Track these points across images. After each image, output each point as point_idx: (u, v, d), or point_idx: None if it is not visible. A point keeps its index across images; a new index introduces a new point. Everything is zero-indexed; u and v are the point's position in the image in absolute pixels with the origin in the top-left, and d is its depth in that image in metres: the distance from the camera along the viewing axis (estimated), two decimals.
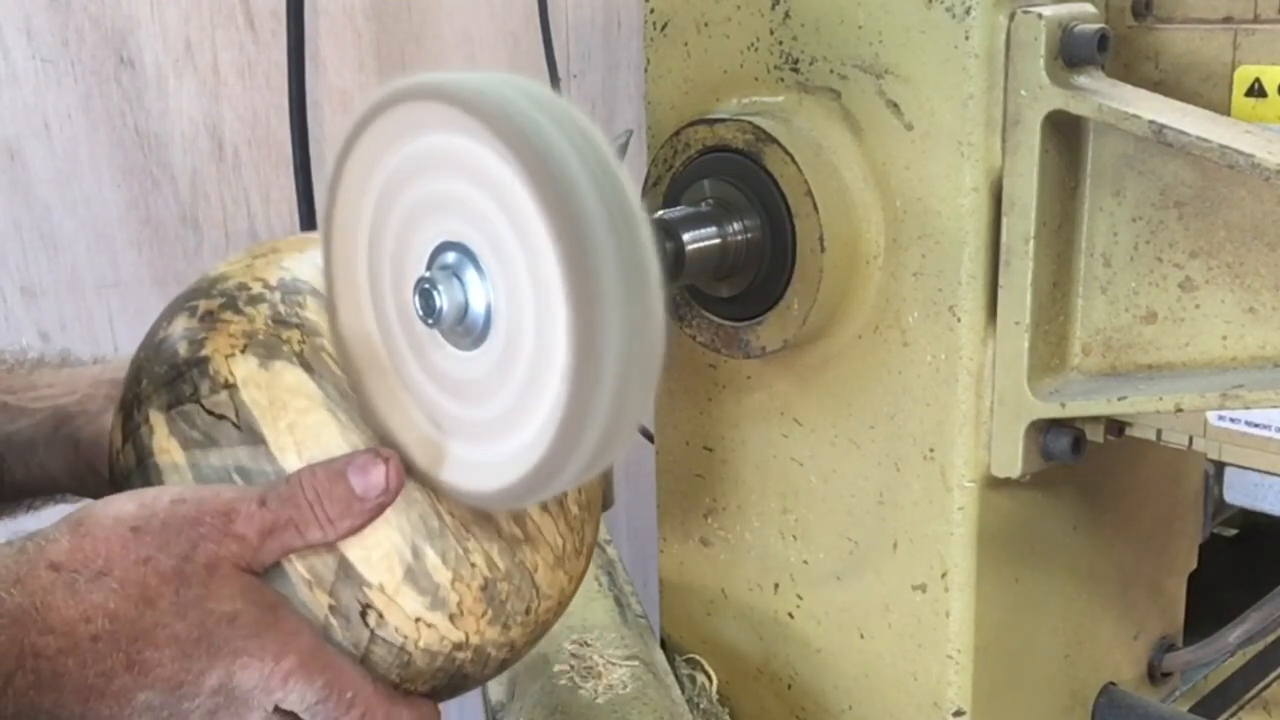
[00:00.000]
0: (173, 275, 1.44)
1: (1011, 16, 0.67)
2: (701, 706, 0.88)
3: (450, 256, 0.55)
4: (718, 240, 0.73)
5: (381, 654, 0.62)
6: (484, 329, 0.55)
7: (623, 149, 1.16)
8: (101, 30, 1.32)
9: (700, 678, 0.90)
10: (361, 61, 1.51)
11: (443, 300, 0.54)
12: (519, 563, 0.64)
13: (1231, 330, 0.66)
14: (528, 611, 0.65)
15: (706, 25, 0.79)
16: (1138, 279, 0.69)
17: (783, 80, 0.76)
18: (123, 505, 0.58)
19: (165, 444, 0.62)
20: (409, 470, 0.60)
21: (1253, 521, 1.12)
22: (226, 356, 0.62)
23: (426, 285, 0.55)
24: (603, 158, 0.52)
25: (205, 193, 1.45)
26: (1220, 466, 0.89)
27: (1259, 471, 0.72)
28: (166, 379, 0.63)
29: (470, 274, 0.54)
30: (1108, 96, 0.66)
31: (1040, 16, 0.66)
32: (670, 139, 0.77)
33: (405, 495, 0.61)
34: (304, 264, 0.66)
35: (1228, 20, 0.70)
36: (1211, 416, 0.71)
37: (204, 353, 0.63)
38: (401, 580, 0.61)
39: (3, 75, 1.29)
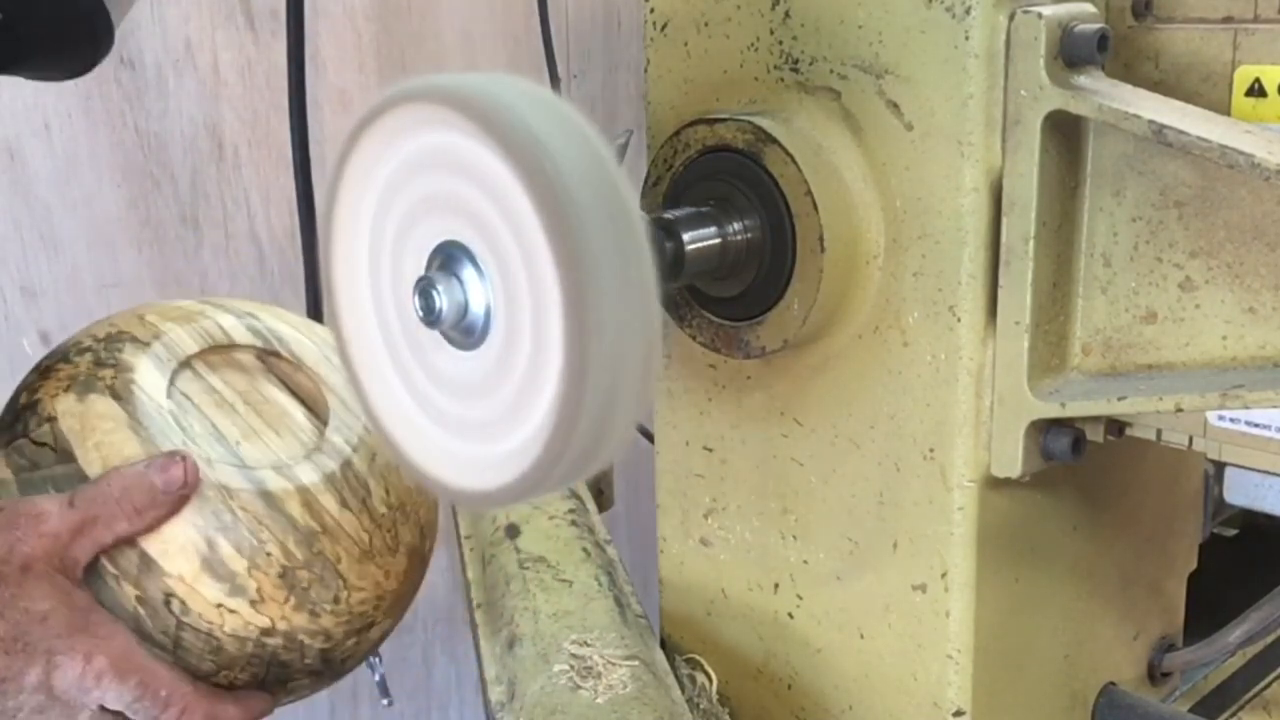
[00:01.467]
0: (173, 275, 1.44)
1: (1011, 16, 0.67)
2: (701, 706, 0.88)
3: (450, 257, 0.55)
4: (718, 240, 0.73)
5: (191, 640, 0.69)
6: (483, 329, 0.55)
7: (623, 149, 1.16)
8: None
9: (700, 678, 0.90)
10: (361, 61, 1.51)
11: (442, 300, 0.54)
12: (318, 552, 0.71)
13: (1231, 330, 0.67)
14: (336, 600, 0.72)
15: (706, 25, 0.79)
16: (1138, 279, 0.69)
17: (783, 80, 0.76)
18: None
19: (2, 473, 0.71)
20: (404, 466, 0.61)
21: (1253, 521, 1.12)
22: (52, 397, 0.72)
23: (426, 285, 0.55)
24: (601, 158, 0.52)
25: (205, 193, 1.45)
26: (1220, 466, 0.89)
27: (1259, 471, 0.72)
28: (7, 424, 0.73)
29: (469, 274, 0.54)
30: (1108, 96, 0.66)
31: (1040, 16, 0.66)
32: (670, 139, 0.77)
33: (199, 494, 0.69)
34: (131, 320, 0.76)
35: (1228, 20, 0.70)
36: (1211, 416, 0.71)
37: (36, 397, 0.72)
38: (199, 569, 0.68)
39: (3, 75, 1.29)
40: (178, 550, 0.68)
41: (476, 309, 0.55)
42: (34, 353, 1.38)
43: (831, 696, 0.83)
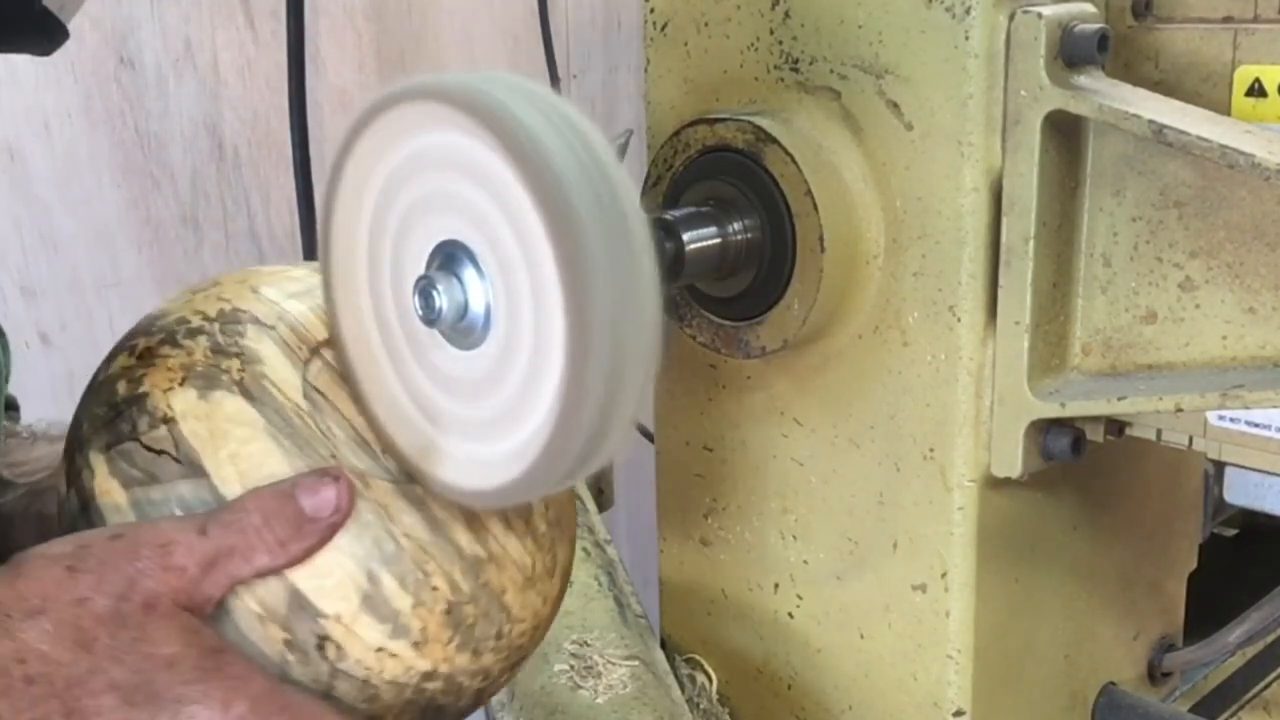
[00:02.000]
0: (173, 275, 1.44)
1: (1011, 16, 0.67)
2: (701, 706, 0.88)
3: (449, 256, 0.55)
4: (718, 240, 0.73)
5: (345, 689, 0.59)
6: (483, 328, 0.55)
7: (623, 149, 1.16)
8: (101, 30, 1.32)
9: (700, 678, 0.90)
10: (361, 61, 1.51)
11: (442, 300, 0.54)
12: (484, 584, 0.61)
13: (1231, 330, 0.66)
14: (499, 636, 0.63)
15: (706, 25, 0.79)
16: (1138, 279, 0.69)
17: (783, 80, 0.76)
18: (61, 545, 0.55)
19: (106, 485, 0.60)
20: (403, 466, 0.60)
21: (1253, 521, 1.12)
22: (165, 391, 0.60)
23: (426, 284, 0.55)
24: (601, 158, 0.52)
25: (205, 192, 1.45)
26: (1220, 466, 0.89)
27: (1259, 471, 0.72)
28: (106, 419, 0.61)
29: (469, 273, 0.54)
30: (1108, 96, 0.66)
31: (1040, 16, 0.66)
32: (670, 139, 0.77)
33: (357, 519, 0.58)
34: (244, 294, 0.64)
35: (1228, 20, 0.70)
36: (1211, 416, 0.71)
37: (142, 389, 0.60)
38: (359, 608, 0.58)
39: (3, 75, 1.29)
40: (334, 586, 0.57)
41: (476, 308, 0.55)
42: (33, 352, 1.39)
43: (831, 696, 0.83)
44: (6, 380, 0.78)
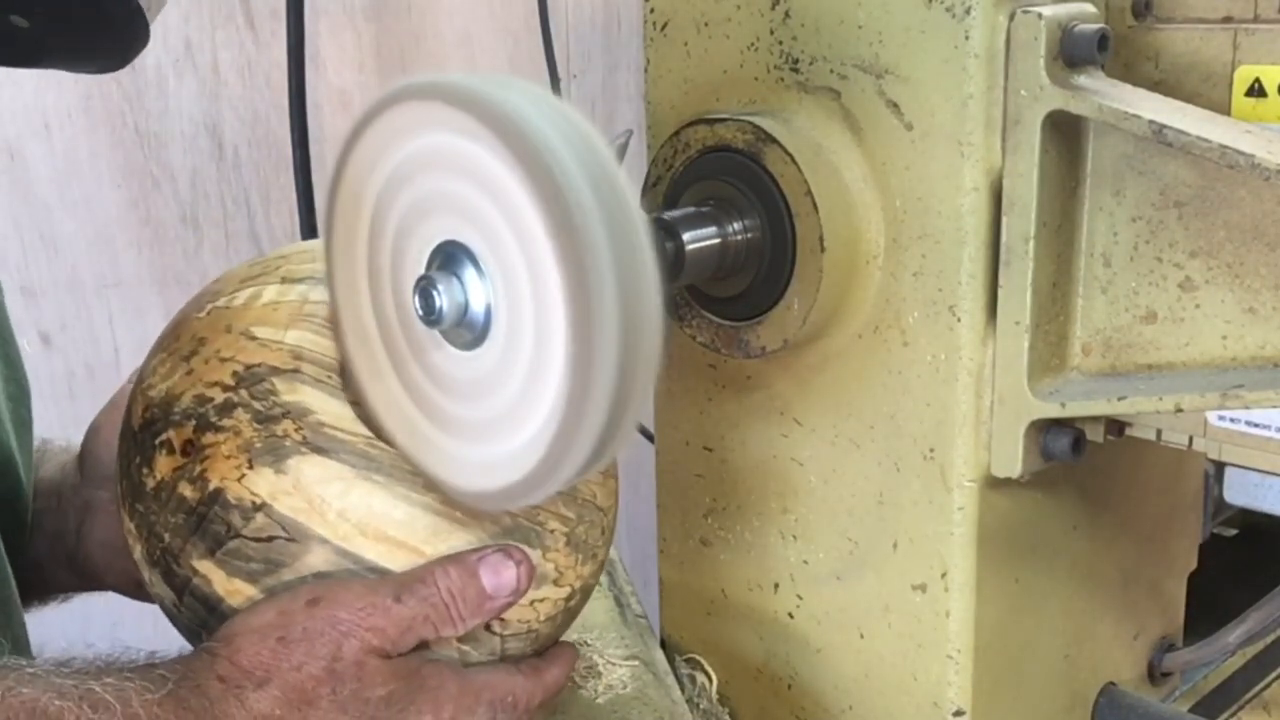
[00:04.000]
0: (173, 275, 1.44)
1: (1011, 16, 0.67)
2: (701, 706, 0.88)
3: (450, 256, 0.55)
4: (718, 240, 0.73)
5: (515, 646, 0.66)
6: (484, 328, 0.55)
7: (623, 149, 1.16)
8: None
9: (700, 678, 0.90)
10: (361, 61, 1.51)
11: (443, 300, 0.54)
12: (581, 501, 0.67)
13: (1231, 330, 0.66)
14: (602, 532, 0.69)
15: (706, 25, 0.79)
16: (1138, 279, 0.69)
17: (783, 80, 0.76)
18: (264, 616, 0.61)
19: (230, 586, 0.61)
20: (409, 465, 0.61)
21: (1253, 521, 1.12)
22: (239, 480, 0.60)
23: (426, 285, 0.55)
24: (600, 159, 0.52)
25: (205, 192, 1.45)
26: (1220, 466, 0.89)
27: (1259, 471, 0.72)
28: (191, 527, 0.61)
29: (470, 273, 0.54)
30: (1108, 96, 0.66)
31: (1040, 16, 0.66)
32: (670, 139, 0.77)
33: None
34: (240, 344, 0.63)
35: (1228, 20, 0.70)
36: (1211, 416, 0.71)
37: (214, 486, 0.60)
38: None
39: (3, 75, 1.29)
40: None
41: (477, 308, 0.55)
42: (33, 352, 1.39)
43: (831, 696, 0.83)
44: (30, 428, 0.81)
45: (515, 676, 0.66)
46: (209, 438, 0.61)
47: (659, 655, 0.88)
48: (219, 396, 0.61)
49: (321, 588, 0.60)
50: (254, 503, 0.60)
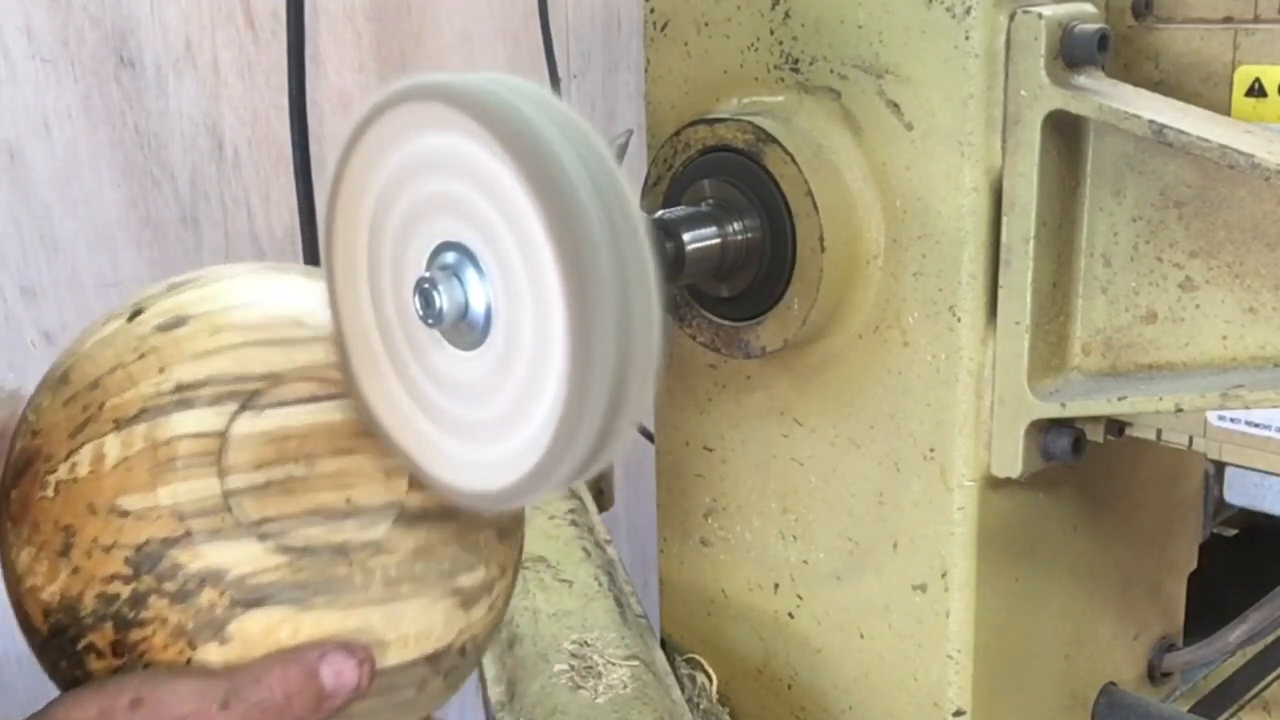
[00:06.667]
0: (172, 275, 1.44)
1: (1011, 16, 0.67)
2: (701, 706, 0.88)
3: (450, 257, 0.55)
4: (718, 240, 0.73)
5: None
6: (484, 329, 0.55)
7: (623, 149, 1.16)
8: (101, 30, 1.32)
9: (700, 678, 0.90)
10: (361, 61, 1.51)
11: (443, 300, 0.54)
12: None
13: (1231, 330, 0.67)
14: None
15: (706, 25, 0.79)
16: (1138, 279, 0.69)
17: (783, 80, 0.76)
18: (86, 710, 0.55)
19: None
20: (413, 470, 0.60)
21: (1253, 521, 1.12)
22: (188, 662, 0.56)
23: (426, 285, 0.55)
24: (600, 159, 0.52)
25: (205, 192, 1.45)
26: (1220, 466, 0.89)
27: (1259, 471, 0.72)
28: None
29: (470, 274, 0.54)
30: (1108, 96, 0.66)
31: (1040, 16, 0.66)
32: (670, 139, 0.77)
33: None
34: (116, 525, 0.56)
35: (1228, 20, 0.70)
36: (1211, 416, 0.71)
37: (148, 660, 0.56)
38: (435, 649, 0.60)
39: (3, 75, 1.29)
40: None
41: (477, 309, 0.55)
42: (39, 350, 1.38)
43: (831, 696, 0.83)
44: None
45: None
46: (135, 634, 0.56)
47: (659, 655, 0.88)
48: (124, 591, 0.56)
49: (147, 687, 0.55)
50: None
